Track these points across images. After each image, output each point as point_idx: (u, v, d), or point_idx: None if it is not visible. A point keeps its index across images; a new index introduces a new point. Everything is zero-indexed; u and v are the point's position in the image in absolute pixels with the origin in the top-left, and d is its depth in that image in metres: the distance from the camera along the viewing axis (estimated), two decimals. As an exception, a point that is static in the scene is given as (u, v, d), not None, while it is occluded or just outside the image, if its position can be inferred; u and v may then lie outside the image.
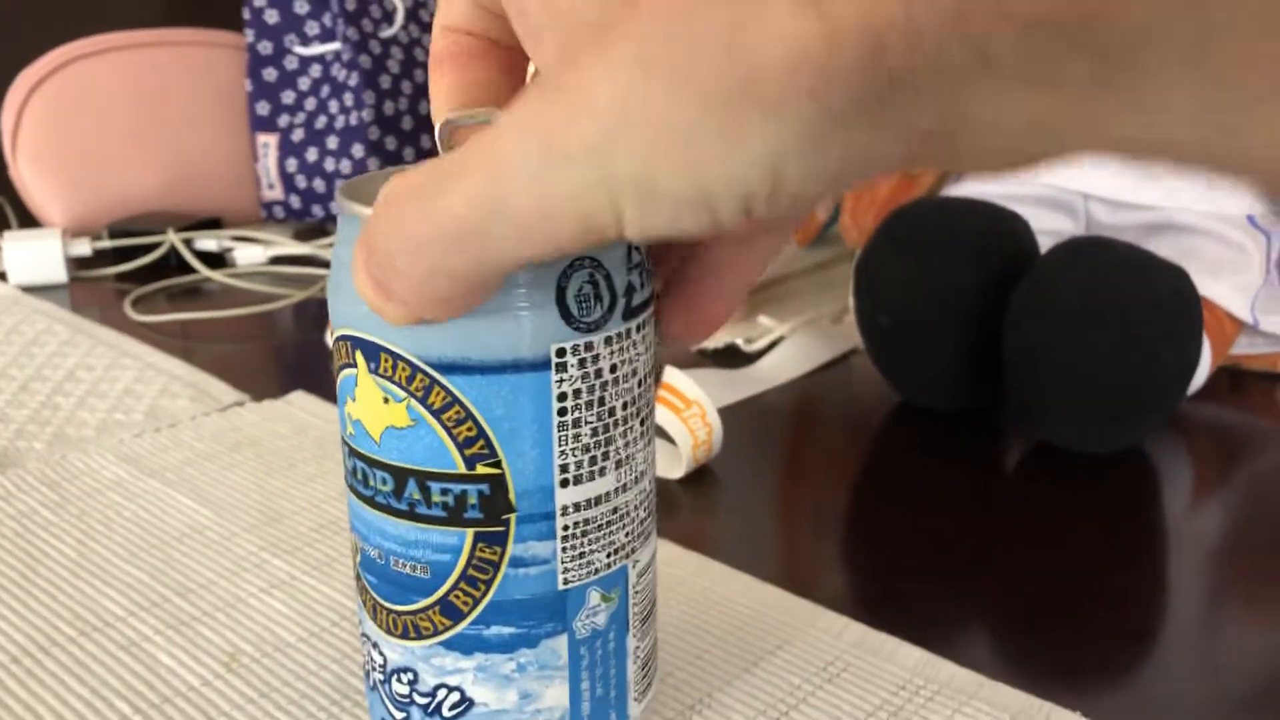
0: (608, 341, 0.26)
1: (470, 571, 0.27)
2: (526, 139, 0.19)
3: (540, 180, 0.19)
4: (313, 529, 0.44)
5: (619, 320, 0.26)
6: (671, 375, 0.50)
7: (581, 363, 0.26)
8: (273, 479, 0.48)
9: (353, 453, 0.27)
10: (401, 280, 0.22)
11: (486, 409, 0.25)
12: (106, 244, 0.80)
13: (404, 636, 0.28)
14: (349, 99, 0.85)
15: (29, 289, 0.77)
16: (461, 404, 0.25)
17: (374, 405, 0.26)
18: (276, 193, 0.90)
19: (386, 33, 0.87)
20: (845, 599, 0.40)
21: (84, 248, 0.79)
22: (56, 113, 0.85)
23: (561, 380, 0.26)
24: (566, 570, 0.27)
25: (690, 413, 0.48)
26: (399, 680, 0.29)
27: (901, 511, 0.47)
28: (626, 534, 0.28)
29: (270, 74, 0.88)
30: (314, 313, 0.72)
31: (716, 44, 0.17)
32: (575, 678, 0.28)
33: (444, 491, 0.26)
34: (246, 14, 0.88)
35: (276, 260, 0.82)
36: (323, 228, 0.91)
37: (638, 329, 0.27)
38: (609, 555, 0.28)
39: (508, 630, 0.27)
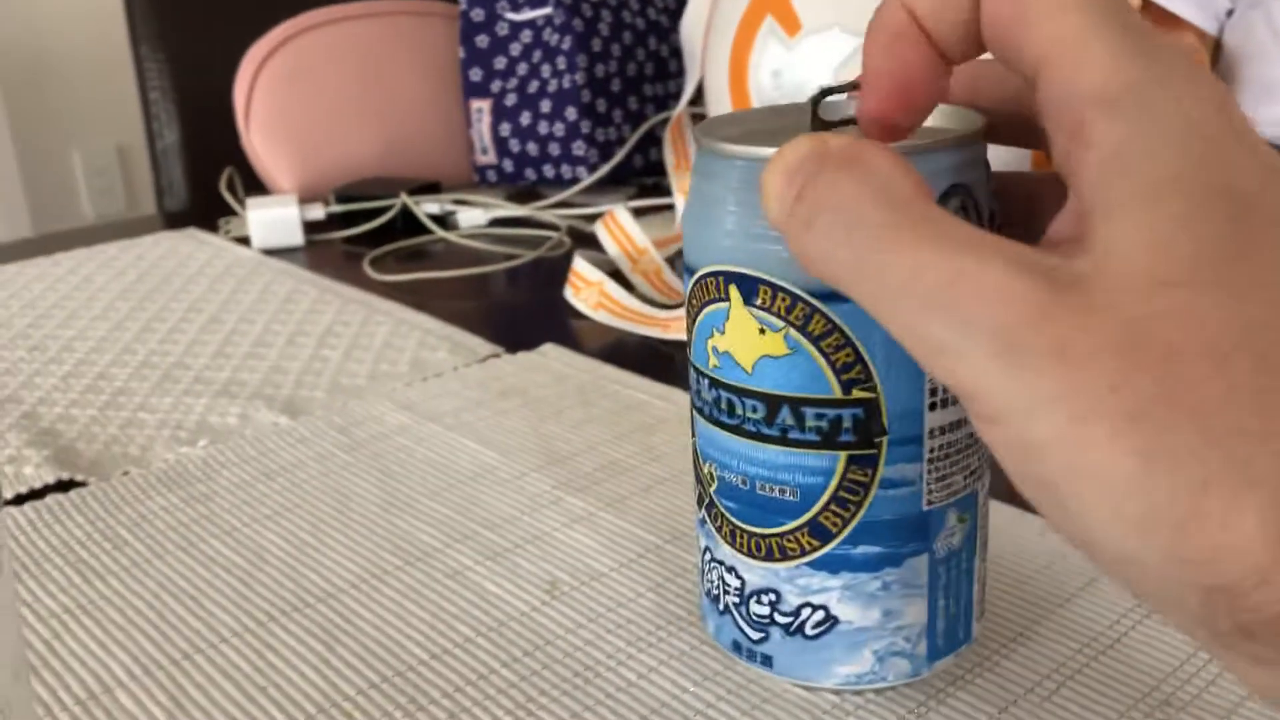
0: None
1: (841, 493, 0.28)
2: (991, 330, 0.20)
3: (984, 363, 0.20)
4: (596, 469, 0.45)
5: None
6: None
7: None
8: (545, 424, 0.50)
9: (715, 384, 0.29)
10: (837, 249, 0.22)
11: (865, 335, 0.26)
12: (338, 208, 0.83)
13: (767, 558, 0.29)
14: (561, 63, 0.87)
15: (269, 252, 0.81)
16: (841, 330, 0.26)
17: (748, 336, 0.27)
18: (490, 157, 0.92)
19: (596, -4, 0.88)
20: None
21: (318, 212, 0.83)
22: (284, 85, 0.89)
23: None
24: (931, 491, 0.28)
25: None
26: (758, 601, 0.30)
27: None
28: (978, 458, 0.29)
29: (483, 40, 0.91)
30: (547, 270, 0.74)
31: (1185, 492, 0.18)
32: (933, 596, 0.29)
33: (819, 416, 0.27)
34: (459, -17, 0.91)
35: (495, 222, 0.85)
36: (534, 190, 0.93)
37: None
38: (965, 478, 0.29)
39: (874, 550, 0.28)
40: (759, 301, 0.27)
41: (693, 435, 0.31)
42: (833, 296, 0.26)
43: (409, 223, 0.84)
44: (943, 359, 0.20)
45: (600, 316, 0.64)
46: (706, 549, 0.31)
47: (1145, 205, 0.19)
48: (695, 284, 0.29)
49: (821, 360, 0.27)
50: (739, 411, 0.28)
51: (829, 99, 0.27)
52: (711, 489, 0.30)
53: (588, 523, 0.41)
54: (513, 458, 0.47)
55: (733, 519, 0.30)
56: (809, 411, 0.27)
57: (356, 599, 0.37)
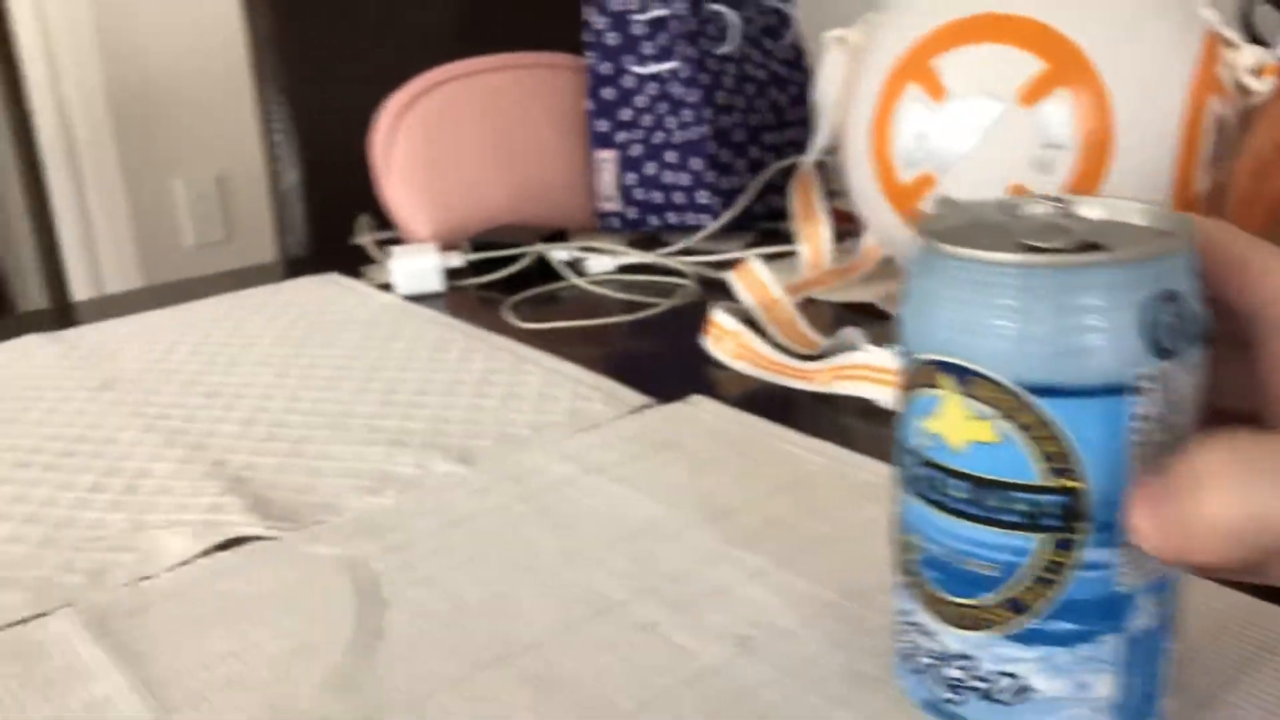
0: (1183, 368, 0.29)
1: (1041, 573, 0.30)
2: None
3: None
4: (762, 525, 0.48)
5: (1193, 348, 0.29)
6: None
7: (1161, 388, 0.28)
8: (704, 477, 0.52)
9: (927, 463, 0.31)
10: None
11: (1077, 428, 0.28)
12: (476, 256, 0.87)
13: (965, 627, 0.31)
14: (688, 115, 0.90)
15: (410, 298, 0.85)
16: (1049, 423, 0.28)
17: (959, 421, 0.30)
18: (614, 205, 0.95)
19: (721, 50, 0.91)
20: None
21: (457, 260, 0.87)
22: (422, 134, 0.93)
23: (1142, 403, 0.28)
24: (1125, 575, 0.30)
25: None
26: (953, 666, 0.32)
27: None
28: None
29: (609, 93, 0.94)
30: (679, 317, 0.76)
31: None
32: (1124, 673, 0.31)
33: (1024, 501, 0.29)
34: (587, 37, 0.94)
35: (623, 269, 0.88)
36: (656, 237, 0.96)
37: (1202, 355, 0.29)
38: (1159, 562, 0.30)
39: (1069, 626, 0.30)
40: (971, 390, 0.29)
41: (896, 505, 0.33)
42: (1044, 391, 0.28)
43: (541, 269, 0.87)
44: None
45: (740, 366, 0.67)
46: (904, 611, 0.34)
47: None
48: (911, 368, 0.31)
49: (1029, 449, 0.29)
50: (947, 490, 0.30)
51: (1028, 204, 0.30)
52: (914, 557, 0.32)
53: (763, 579, 0.44)
54: (677, 510, 0.49)
55: (933, 587, 0.32)
56: (1015, 496, 0.29)
57: (556, 650, 0.40)
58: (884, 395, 0.59)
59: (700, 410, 0.60)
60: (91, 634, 0.42)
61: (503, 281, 0.86)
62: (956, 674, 0.32)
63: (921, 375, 0.30)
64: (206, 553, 0.48)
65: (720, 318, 0.69)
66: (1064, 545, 0.29)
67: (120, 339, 0.78)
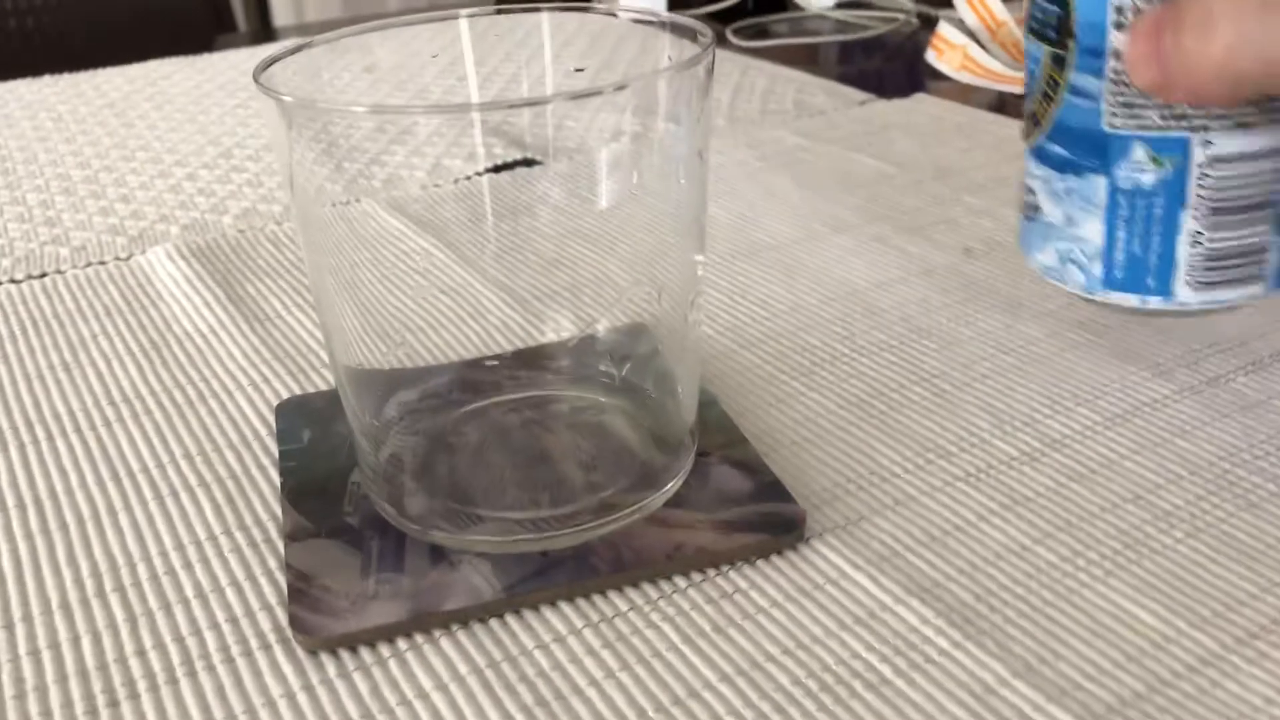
0: None
1: (1044, 87, 0.32)
2: None
3: None
4: (988, 180, 0.51)
5: None
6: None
7: None
8: (930, 148, 0.55)
9: None
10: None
11: None
12: (698, -15, 0.89)
13: (1025, 137, 0.35)
14: None
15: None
16: None
17: None
18: (835, -56, 0.96)
19: None
20: None
21: (680, -12, 0.90)
22: None
23: None
24: (1113, 114, 0.31)
25: None
26: (1022, 176, 0.36)
27: None
28: (1203, 112, 0.30)
29: None
30: (899, 45, 0.78)
31: None
32: (1111, 222, 0.32)
33: (1038, 10, 0.32)
34: None
35: (841, 5, 0.89)
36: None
37: None
38: (1162, 117, 0.30)
39: (1063, 153, 0.32)
40: None
41: None
42: None
43: (758, 2, 0.89)
44: None
45: (963, 77, 0.68)
46: None
47: None
48: None
49: None
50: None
51: None
52: None
53: (989, 215, 0.47)
54: (907, 170, 0.53)
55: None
56: (1034, 6, 0.32)
57: (798, 251, 0.44)
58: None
59: (923, 104, 0.63)
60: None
61: (722, 13, 0.89)
62: (1025, 185, 0.35)
63: None
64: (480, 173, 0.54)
65: (946, 31, 0.71)
66: (1059, 62, 0.31)
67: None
